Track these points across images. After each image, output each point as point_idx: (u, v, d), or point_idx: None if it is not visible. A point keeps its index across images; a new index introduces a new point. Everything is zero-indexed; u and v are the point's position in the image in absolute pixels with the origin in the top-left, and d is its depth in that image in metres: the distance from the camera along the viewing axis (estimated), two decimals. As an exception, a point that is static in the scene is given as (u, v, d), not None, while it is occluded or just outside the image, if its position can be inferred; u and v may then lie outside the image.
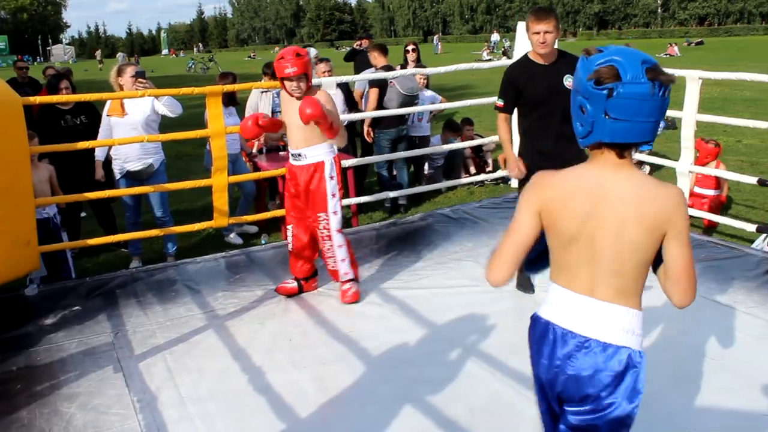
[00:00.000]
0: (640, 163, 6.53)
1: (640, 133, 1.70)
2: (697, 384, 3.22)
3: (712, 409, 3.04)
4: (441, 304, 4.22)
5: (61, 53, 72.10)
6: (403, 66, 7.71)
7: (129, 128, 5.03)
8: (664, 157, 6.45)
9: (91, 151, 5.23)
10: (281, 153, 6.56)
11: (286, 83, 4.07)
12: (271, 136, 6.58)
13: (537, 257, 1.94)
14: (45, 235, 4.68)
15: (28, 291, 4.64)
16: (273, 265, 5.04)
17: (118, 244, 5.64)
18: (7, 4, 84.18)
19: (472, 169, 7.87)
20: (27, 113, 4.40)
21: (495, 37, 47.30)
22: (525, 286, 4.32)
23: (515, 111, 4.22)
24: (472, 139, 7.65)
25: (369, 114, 6.43)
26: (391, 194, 6.41)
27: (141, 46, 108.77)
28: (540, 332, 1.89)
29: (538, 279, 4.20)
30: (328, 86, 5.62)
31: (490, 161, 8.06)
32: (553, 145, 3.94)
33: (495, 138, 7.28)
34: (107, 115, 5.12)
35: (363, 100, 6.97)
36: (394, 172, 7.09)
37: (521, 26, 6.27)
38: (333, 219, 4.23)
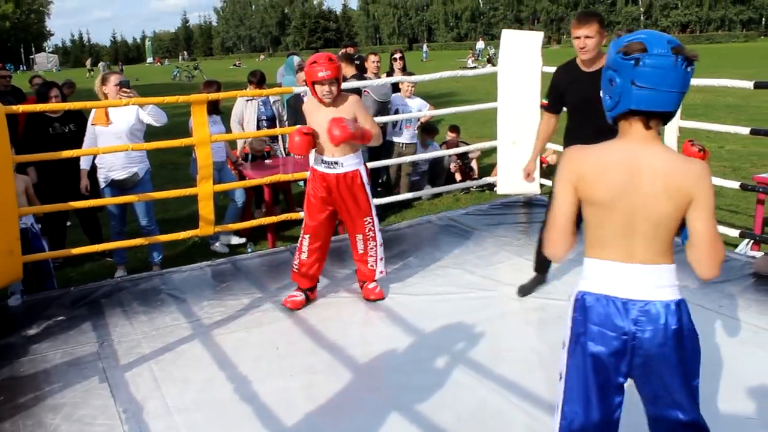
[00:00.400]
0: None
1: (664, 101, 1.85)
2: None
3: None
4: (428, 311, 4.22)
5: (44, 62, 71.64)
6: (389, 74, 7.75)
7: (113, 137, 5.01)
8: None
9: (78, 159, 5.21)
10: (266, 161, 6.56)
11: (318, 88, 4.03)
12: (254, 146, 6.59)
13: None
14: (24, 245, 4.64)
15: (11, 301, 4.59)
16: (259, 273, 5.03)
17: (103, 254, 5.61)
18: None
19: (458, 176, 7.90)
20: (11, 122, 4.37)
21: (480, 44, 47.51)
22: (525, 290, 4.38)
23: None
24: (457, 146, 7.68)
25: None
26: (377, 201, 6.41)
27: (126, 54, 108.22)
28: (596, 309, 1.96)
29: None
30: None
31: (475, 168, 8.09)
32: None
33: (480, 145, 7.33)
34: (92, 124, 5.10)
35: None
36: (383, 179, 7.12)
37: (506, 34, 6.32)
38: (376, 220, 4.41)
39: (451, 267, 4.97)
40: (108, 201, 5.08)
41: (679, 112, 5.40)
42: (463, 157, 7.98)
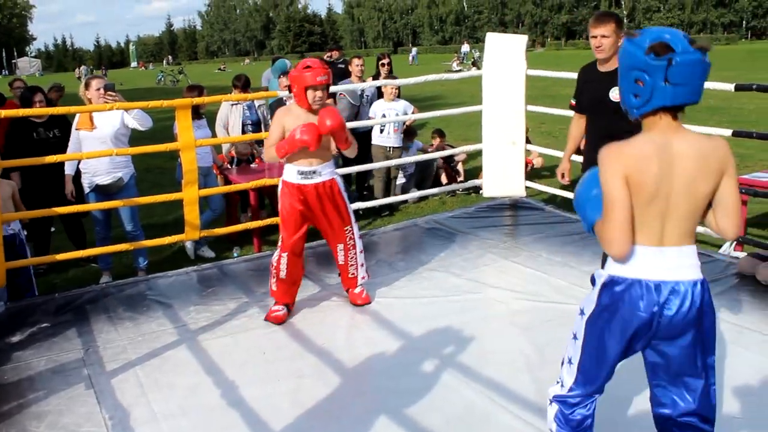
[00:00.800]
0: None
1: (693, 93, 2.00)
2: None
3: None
4: (414, 314, 4.23)
5: (27, 66, 70.98)
6: (375, 77, 7.76)
7: (98, 142, 4.98)
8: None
9: (62, 165, 5.17)
10: (252, 165, 6.54)
11: (311, 93, 3.88)
12: (240, 150, 6.57)
13: None
14: (10, 252, 4.61)
15: (-5, 308, 4.55)
16: (245, 278, 5.01)
17: (87, 259, 5.57)
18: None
19: (444, 179, 7.91)
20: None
21: (465, 47, 47.63)
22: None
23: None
24: (443, 149, 7.70)
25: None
26: (362, 205, 6.41)
27: (110, 58, 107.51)
28: (630, 292, 2.08)
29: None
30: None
31: (461, 171, 8.11)
32: (593, 153, 3.93)
33: (466, 148, 7.35)
34: (76, 129, 5.06)
35: None
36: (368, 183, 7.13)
37: (490, 37, 6.34)
38: (356, 227, 4.34)
39: (437, 270, 4.98)
40: (93, 206, 5.04)
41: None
42: (449, 160, 8.00)
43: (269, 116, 6.86)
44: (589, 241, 4.96)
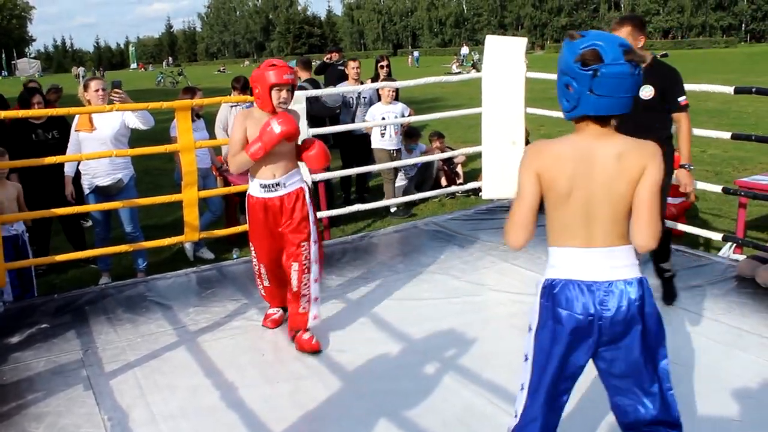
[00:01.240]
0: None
1: (619, 106, 1.95)
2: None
3: (681, 415, 3.07)
4: (414, 316, 4.22)
5: (26, 67, 70.94)
6: (374, 79, 7.77)
7: (98, 143, 4.98)
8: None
9: (62, 166, 5.17)
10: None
11: (276, 93, 3.56)
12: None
13: None
14: (14, 253, 4.61)
15: (-6, 309, 4.55)
16: (244, 279, 5.00)
17: (87, 260, 5.56)
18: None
19: (444, 182, 7.91)
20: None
21: (464, 50, 47.71)
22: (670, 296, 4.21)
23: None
24: (443, 151, 7.70)
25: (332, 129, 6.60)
26: (362, 207, 6.41)
27: (109, 59, 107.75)
28: (565, 293, 2.05)
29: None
30: (298, 100, 5.61)
31: (461, 173, 8.11)
32: None
33: (465, 150, 7.35)
34: (75, 131, 5.06)
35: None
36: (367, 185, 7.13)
37: (490, 39, 6.34)
38: (314, 248, 3.82)
39: (436, 272, 4.98)
40: (92, 207, 5.04)
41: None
42: (449, 162, 8.01)
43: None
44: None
